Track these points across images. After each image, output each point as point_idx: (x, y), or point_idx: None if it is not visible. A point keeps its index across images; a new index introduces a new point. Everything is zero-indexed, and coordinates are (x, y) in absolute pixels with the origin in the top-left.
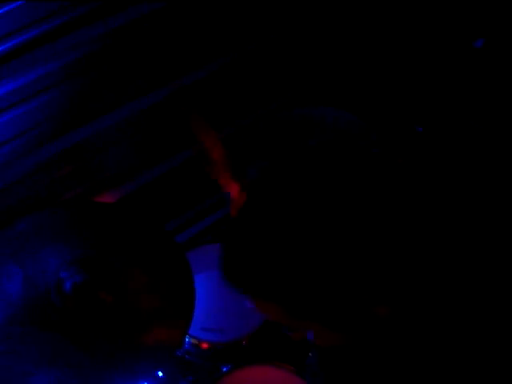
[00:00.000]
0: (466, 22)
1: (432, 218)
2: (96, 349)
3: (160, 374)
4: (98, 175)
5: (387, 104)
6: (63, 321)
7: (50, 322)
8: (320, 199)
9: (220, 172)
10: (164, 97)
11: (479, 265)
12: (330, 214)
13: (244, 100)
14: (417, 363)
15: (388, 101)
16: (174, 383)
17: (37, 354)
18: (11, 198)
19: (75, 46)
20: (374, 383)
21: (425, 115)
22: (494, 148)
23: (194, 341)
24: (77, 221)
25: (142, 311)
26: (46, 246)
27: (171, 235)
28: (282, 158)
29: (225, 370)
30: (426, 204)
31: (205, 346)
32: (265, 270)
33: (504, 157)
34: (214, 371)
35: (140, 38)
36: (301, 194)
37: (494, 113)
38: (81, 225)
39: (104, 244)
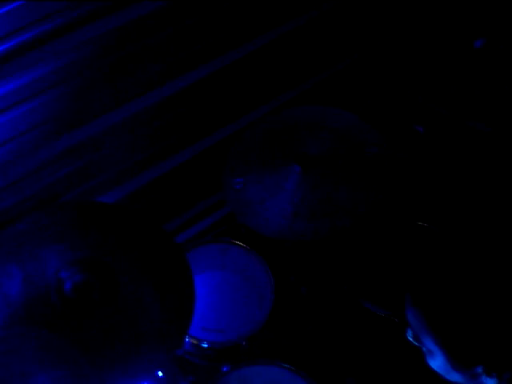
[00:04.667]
0: (466, 22)
1: None
2: (96, 349)
3: (160, 373)
4: (98, 175)
5: (387, 104)
6: (63, 320)
7: (49, 321)
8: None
9: None
10: (164, 97)
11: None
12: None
13: (246, 98)
14: None
15: (388, 101)
16: (173, 383)
17: (37, 354)
18: (11, 197)
19: (75, 46)
20: None
21: (425, 115)
22: (494, 148)
23: (193, 341)
24: (76, 221)
25: (142, 311)
26: (46, 246)
27: (171, 235)
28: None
29: (225, 369)
30: None
31: (205, 345)
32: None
33: (504, 157)
34: (213, 371)
35: (140, 38)
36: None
37: (493, 113)
38: (80, 225)
39: (104, 244)
